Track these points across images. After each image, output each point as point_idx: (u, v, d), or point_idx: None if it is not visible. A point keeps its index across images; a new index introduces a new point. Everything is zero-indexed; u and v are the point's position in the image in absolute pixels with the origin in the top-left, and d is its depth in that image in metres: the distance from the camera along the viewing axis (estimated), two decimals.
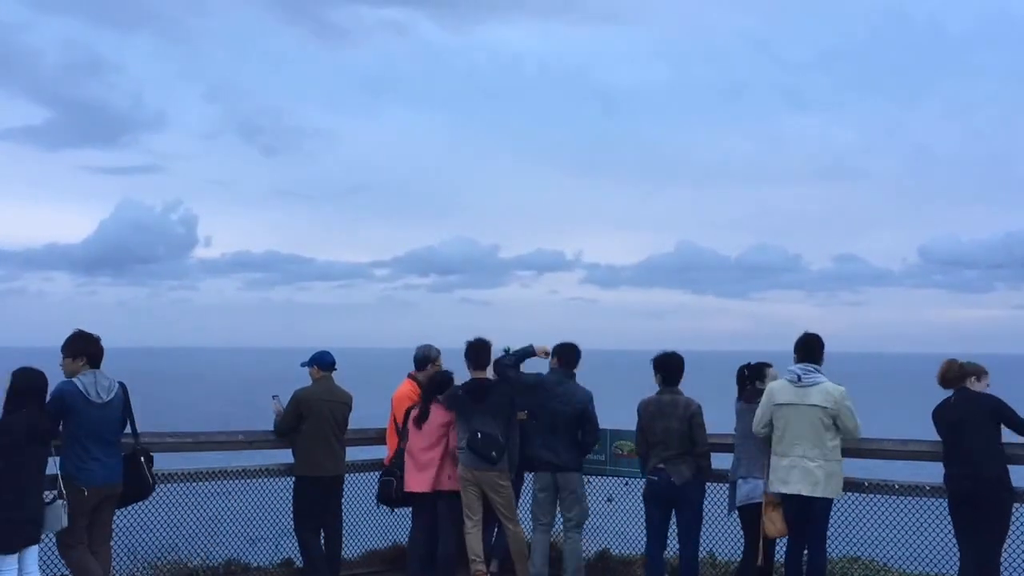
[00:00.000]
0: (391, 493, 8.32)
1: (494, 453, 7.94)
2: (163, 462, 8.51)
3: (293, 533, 8.30)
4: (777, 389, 7.27)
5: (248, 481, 8.26)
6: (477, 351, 8.31)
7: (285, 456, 8.76)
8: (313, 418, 8.13)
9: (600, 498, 8.27)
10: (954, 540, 6.93)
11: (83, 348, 7.07)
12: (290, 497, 8.28)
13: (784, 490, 7.16)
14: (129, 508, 7.49)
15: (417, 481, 8.24)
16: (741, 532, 7.70)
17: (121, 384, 7.16)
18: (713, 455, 7.76)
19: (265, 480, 8.36)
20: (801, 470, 7.10)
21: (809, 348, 7.37)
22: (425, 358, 8.76)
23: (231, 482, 8.17)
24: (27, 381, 6.68)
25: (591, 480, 8.51)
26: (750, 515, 7.51)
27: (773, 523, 7.24)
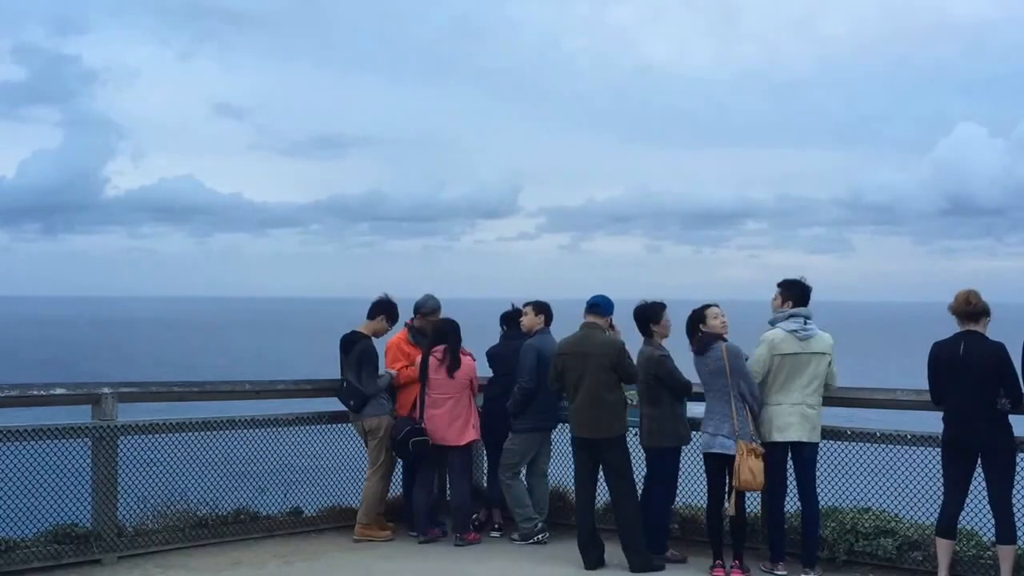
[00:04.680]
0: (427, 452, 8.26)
1: None
2: (170, 411, 8.50)
3: (300, 483, 8.49)
4: (779, 340, 7.21)
5: (256, 431, 8.24)
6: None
7: (292, 406, 8.77)
8: None
9: None
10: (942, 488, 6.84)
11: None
12: (296, 447, 8.46)
13: (780, 438, 7.17)
14: (136, 457, 7.63)
15: (448, 434, 8.24)
16: (702, 480, 7.58)
17: None
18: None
19: (273, 430, 8.35)
20: (800, 417, 7.17)
21: (802, 294, 7.40)
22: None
23: (239, 432, 8.14)
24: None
25: None
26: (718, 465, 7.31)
27: (754, 474, 7.06)
